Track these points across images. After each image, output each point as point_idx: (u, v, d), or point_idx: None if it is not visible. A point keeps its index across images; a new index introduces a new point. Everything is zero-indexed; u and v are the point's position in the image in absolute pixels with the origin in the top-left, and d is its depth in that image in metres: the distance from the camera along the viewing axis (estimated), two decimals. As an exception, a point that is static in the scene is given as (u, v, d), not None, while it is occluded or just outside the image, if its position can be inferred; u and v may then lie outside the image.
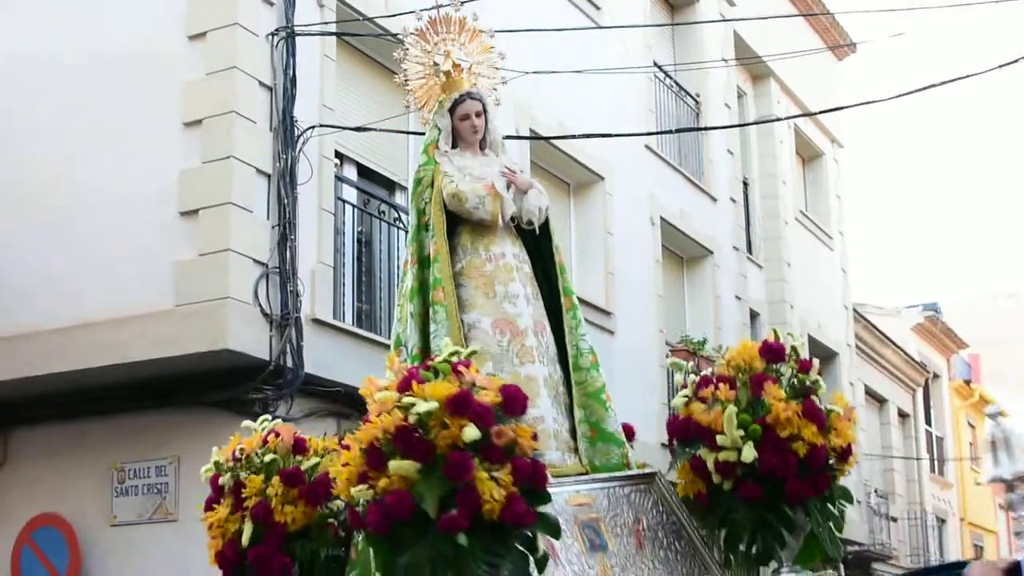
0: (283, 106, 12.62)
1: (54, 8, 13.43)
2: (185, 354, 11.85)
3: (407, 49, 9.20)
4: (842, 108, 20.41)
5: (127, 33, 12.88)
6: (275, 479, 7.55)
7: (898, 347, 32.47)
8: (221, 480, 7.75)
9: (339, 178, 13.63)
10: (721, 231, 21.37)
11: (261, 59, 12.58)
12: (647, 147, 19.17)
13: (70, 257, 12.70)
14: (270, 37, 12.68)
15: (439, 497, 5.91)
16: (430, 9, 9.18)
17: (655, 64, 19.95)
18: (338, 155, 13.65)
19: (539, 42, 15.21)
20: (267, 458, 7.72)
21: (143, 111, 12.66)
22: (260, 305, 12.05)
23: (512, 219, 8.81)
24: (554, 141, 16.47)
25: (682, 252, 20.62)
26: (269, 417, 8.12)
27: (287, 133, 12.58)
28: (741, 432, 7.00)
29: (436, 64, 9.14)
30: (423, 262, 8.51)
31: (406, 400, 6.10)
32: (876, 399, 31.19)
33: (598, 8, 18.25)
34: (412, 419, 6.01)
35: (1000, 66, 13.25)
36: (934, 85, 13.99)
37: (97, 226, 12.63)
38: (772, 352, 7.31)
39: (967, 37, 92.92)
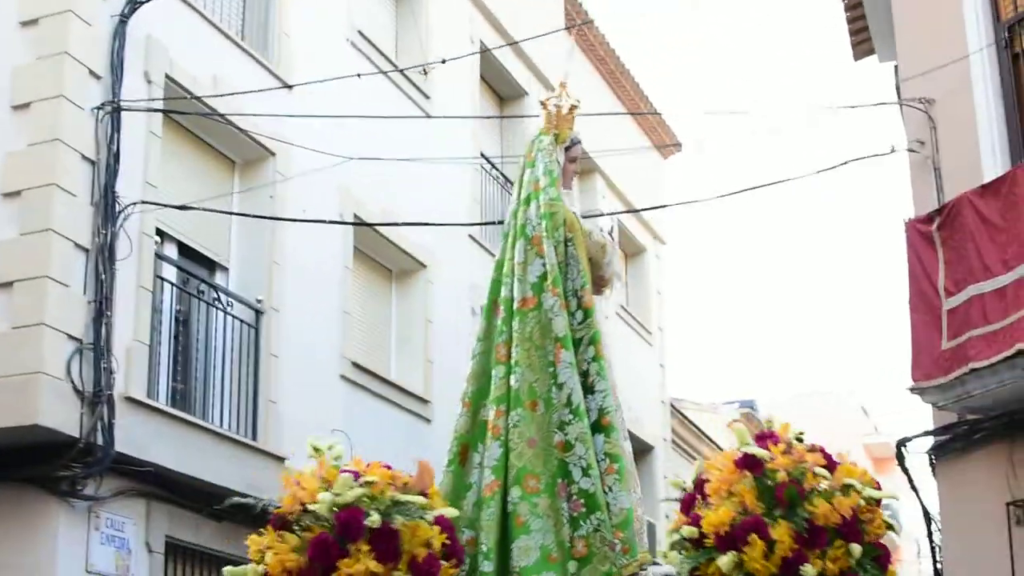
0: (105, 181, 12.50)
1: None
2: (-7, 428, 11.64)
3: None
4: (665, 206, 20.73)
5: (-52, 99, 12.72)
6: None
7: (714, 442, 32.80)
8: (369, 520, 6.86)
9: (159, 256, 13.53)
10: (542, 323, 21.48)
11: (85, 132, 12.48)
12: (471, 237, 19.28)
13: None
14: (95, 111, 12.59)
15: None
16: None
17: (482, 155, 20.11)
18: (159, 233, 13.55)
19: (367, 128, 15.31)
20: (410, 500, 7.09)
21: (-39, 180, 12.47)
22: (73, 381, 11.88)
23: None
24: (377, 227, 16.53)
25: (503, 342, 20.70)
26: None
27: (108, 208, 12.46)
28: None
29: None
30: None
31: None
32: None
33: (427, 97, 18.39)
34: None
35: (818, 172, 13.60)
36: (755, 187, 14.37)
37: (-92, 295, 12.39)
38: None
39: (790, 142, 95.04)
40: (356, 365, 16.13)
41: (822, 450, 6.98)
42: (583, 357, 8.30)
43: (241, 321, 14.47)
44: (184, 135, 14.29)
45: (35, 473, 11.89)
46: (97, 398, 12.02)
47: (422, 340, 17.87)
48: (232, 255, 14.85)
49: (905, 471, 13.50)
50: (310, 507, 6.97)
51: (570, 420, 7.95)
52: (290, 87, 15.17)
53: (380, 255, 17.53)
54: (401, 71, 17.65)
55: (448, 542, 7.00)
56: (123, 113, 12.76)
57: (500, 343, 8.35)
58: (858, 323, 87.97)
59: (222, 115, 14.16)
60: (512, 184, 20.88)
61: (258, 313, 14.59)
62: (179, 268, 14.05)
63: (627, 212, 23.80)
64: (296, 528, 7.01)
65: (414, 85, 18.16)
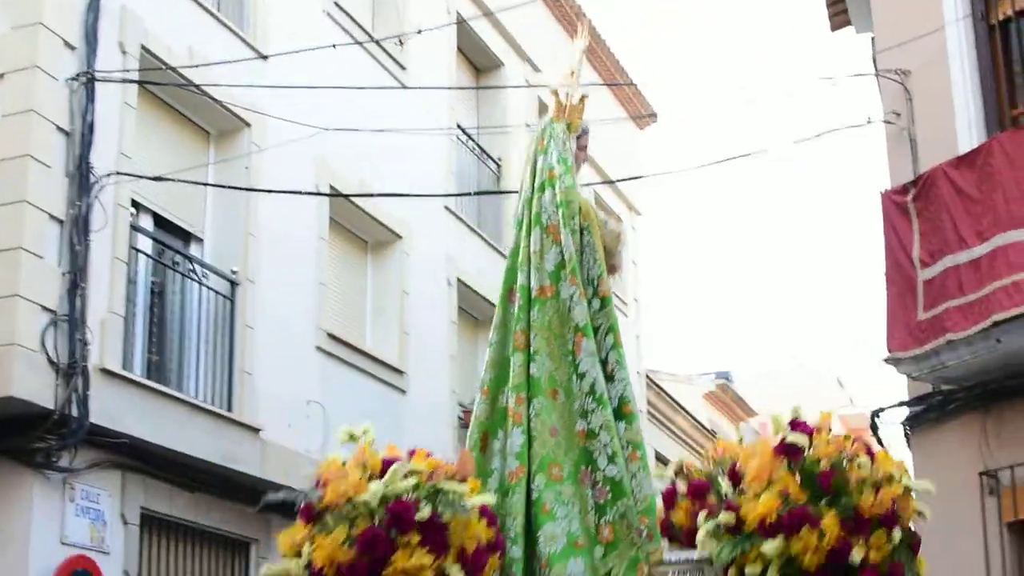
0: (80, 152, 12.45)
1: None
2: (-32, 400, 11.61)
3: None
4: (640, 177, 20.72)
5: (-79, 71, 12.65)
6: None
7: (689, 414, 32.88)
8: (419, 515, 6.59)
9: (134, 227, 13.48)
10: (518, 294, 21.45)
11: (60, 103, 12.42)
12: (447, 208, 19.27)
13: None
14: (70, 82, 12.53)
15: None
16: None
17: (458, 126, 20.09)
18: (135, 204, 13.50)
19: (343, 99, 15.27)
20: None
21: (-66, 151, 12.42)
22: (47, 353, 11.85)
23: None
24: (353, 198, 16.50)
25: (478, 313, 20.69)
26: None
27: (82, 179, 12.42)
28: None
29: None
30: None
31: None
32: (666, 464, 31.49)
33: (403, 68, 18.34)
34: None
35: (794, 143, 13.64)
36: (730, 159, 14.42)
37: None
38: None
39: (767, 113, 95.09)
40: (331, 336, 16.13)
41: (858, 439, 7.05)
42: (602, 346, 8.32)
43: (216, 292, 14.45)
44: (159, 106, 14.24)
45: (9, 445, 11.87)
46: (72, 369, 11.99)
47: (397, 311, 17.86)
48: (207, 226, 14.81)
49: (879, 441, 13.55)
50: (358, 499, 6.64)
51: (593, 408, 7.97)
52: (265, 58, 15.13)
53: (356, 226, 17.51)
54: (377, 42, 17.61)
55: (493, 533, 6.87)
56: (98, 84, 12.71)
57: (518, 331, 8.32)
58: (835, 295, 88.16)
59: (197, 86, 14.11)
60: (488, 156, 20.98)
61: (233, 284, 14.56)
62: (154, 239, 14.01)
63: (603, 183, 23.79)
64: (331, 520, 6.70)
65: (390, 56, 18.11)
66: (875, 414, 13.39)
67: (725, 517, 6.92)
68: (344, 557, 6.44)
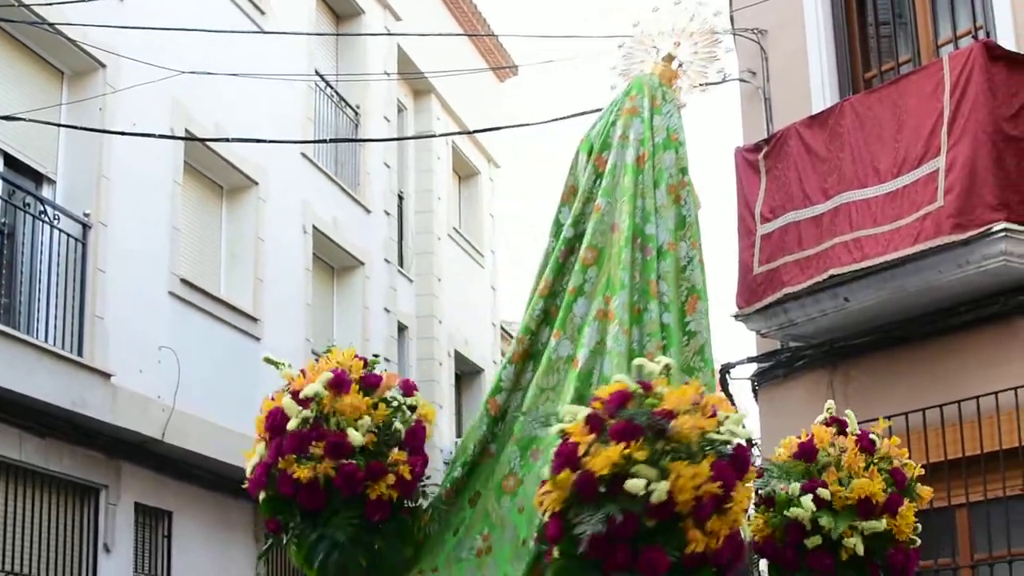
0: (-73, 89, 12.24)
1: None
2: None
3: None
4: (499, 128, 20.76)
5: None
6: None
7: (542, 366, 32.99)
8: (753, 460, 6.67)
9: (-17, 167, 13.28)
10: (373, 243, 21.48)
11: (-93, 39, 12.19)
12: (303, 155, 19.17)
13: None
14: (-82, 17, 12.30)
15: None
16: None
17: (317, 73, 19.98)
18: (-16, 143, 13.29)
19: (200, 41, 15.11)
20: None
21: None
22: None
23: None
24: (209, 143, 16.34)
25: (333, 262, 20.65)
26: None
27: (-69, 117, 12.21)
28: None
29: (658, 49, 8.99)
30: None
31: None
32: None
33: (262, 12, 18.19)
34: None
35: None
36: (584, 112, 14.40)
37: None
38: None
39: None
40: (185, 282, 15.99)
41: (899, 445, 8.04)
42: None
43: (68, 235, 14.25)
44: (11, 43, 13.99)
45: None
46: (-83, 311, 11.81)
47: (252, 258, 17.75)
48: (59, 168, 14.60)
49: (729, 396, 13.73)
50: (710, 435, 6.33)
51: (700, 367, 8.14)
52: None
53: (211, 171, 17.35)
54: (236, -16, 17.44)
55: None
56: (-53, 20, 12.48)
57: (652, 279, 8.38)
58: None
59: (51, 24, 13.88)
60: (346, 104, 20.85)
61: (85, 227, 14.38)
62: (4, 180, 13.79)
63: (461, 133, 23.81)
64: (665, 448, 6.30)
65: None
66: (725, 370, 13.55)
67: (823, 492, 7.43)
68: (709, 488, 6.17)
